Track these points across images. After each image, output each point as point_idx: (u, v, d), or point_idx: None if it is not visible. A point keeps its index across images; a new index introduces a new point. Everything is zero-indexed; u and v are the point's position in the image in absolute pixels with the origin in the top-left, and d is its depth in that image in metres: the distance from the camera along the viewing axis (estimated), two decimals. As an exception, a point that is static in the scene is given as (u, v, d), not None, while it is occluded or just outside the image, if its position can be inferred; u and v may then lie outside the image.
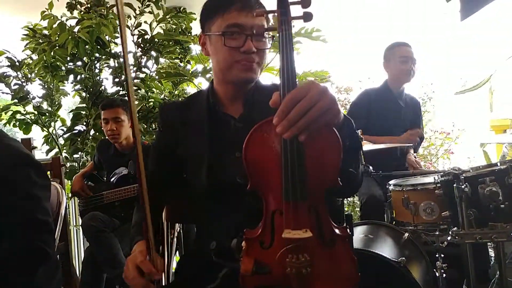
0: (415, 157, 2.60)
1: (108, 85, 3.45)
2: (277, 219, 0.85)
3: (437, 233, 1.92)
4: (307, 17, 0.86)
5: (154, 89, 3.44)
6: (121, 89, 3.40)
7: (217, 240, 1.15)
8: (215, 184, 1.15)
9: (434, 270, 1.91)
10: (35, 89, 3.60)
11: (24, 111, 3.50)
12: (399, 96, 2.69)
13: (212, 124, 1.19)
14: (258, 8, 1.10)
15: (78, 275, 2.38)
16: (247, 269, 0.82)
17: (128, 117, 2.44)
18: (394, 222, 2.14)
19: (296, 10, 0.91)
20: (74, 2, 3.23)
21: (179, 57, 3.40)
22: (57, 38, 3.22)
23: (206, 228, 1.24)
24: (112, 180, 2.45)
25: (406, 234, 1.95)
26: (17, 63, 3.41)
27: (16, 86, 3.42)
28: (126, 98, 2.65)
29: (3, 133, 1.41)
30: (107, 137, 2.51)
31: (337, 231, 0.87)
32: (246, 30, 1.08)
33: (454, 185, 1.65)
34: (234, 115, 1.19)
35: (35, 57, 3.35)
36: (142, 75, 3.43)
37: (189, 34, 3.38)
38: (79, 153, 3.34)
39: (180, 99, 3.49)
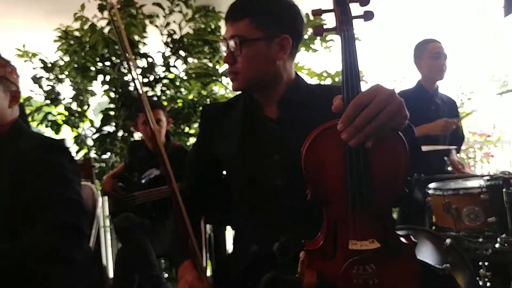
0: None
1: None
2: (340, 229, 0.81)
3: (481, 240, 1.85)
4: (367, 16, 0.82)
5: (182, 90, 3.44)
6: (149, 89, 3.41)
7: (258, 244, 1.12)
8: (254, 187, 1.13)
9: (477, 278, 1.83)
10: (65, 90, 3.65)
11: (55, 111, 3.55)
12: (435, 94, 2.62)
13: (250, 126, 1.17)
14: (234, 16, 1.10)
15: (108, 277, 2.39)
16: (310, 282, 0.78)
17: (166, 118, 2.45)
18: (434, 227, 2.07)
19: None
20: (104, 3, 3.25)
21: (208, 57, 3.38)
22: (87, 39, 3.25)
23: (246, 231, 1.22)
24: (143, 181, 2.44)
25: (448, 240, 1.88)
26: (49, 65, 3.46)
27: (48, 87, 3.48)
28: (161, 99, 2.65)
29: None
30: (138, 138, 2.51)
31: (402, 240, 0.83)
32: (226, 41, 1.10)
33: (504, 190, 1.58)
34: (271, 117, 1.16)
35: (66, 58, 3.39)
36: (170, 76, 3.43)
37: (218, 33, 3.36)
38: (108, 153, 3.37)
39: (208, 100, 3.50)
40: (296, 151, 1.11)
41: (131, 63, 1.11)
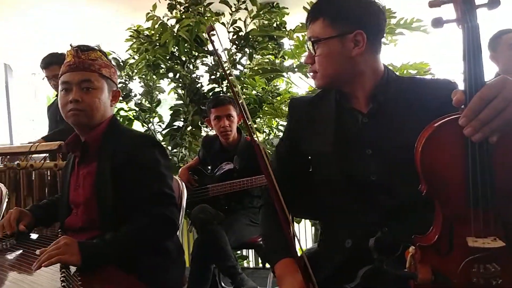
0: None
1: (204, 83, 3.56)
2: (457, 225, 0.80)
3: None
4: (493, 4, 0.79)
5: (247, 86, 3.50)
6: (216, 86, 3.50)
7: (353, 239, 1.12)
8: (346, 182, 1.13)
9: None
10: (135, 87, 3.82)
11: (127, 108, 3.73)
12: None
13: (339, 119, 1.17)
14: (311, 18, 1.13)
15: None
16: (425, 278, 0.77)
17: (236, 114, 2.50)
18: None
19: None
20: (174, 2, 3.36)
21: (273, 52, 3.40)
22: (157, 37, 3.39)
23: (339, 226, 1.22)
24: (216, 174, 2.51)
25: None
26: (121, 63, 3.64)
27: (120, 85, 3.66)
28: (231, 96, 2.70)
29: None
30: (209, 134, 2.58)
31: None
32: None
33: None
34: (361, 110, 1.15)
35: (137, 56, 3.55)
36: (236, 72, 3.50)
37: (283, 29, 3.37)
38: (178, 148, 3.50)
39: (271, 95, 3.53)
40: (389, 145, 1.11)
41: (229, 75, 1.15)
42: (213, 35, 1.06)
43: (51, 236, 1.61)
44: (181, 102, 3.57)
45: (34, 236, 1.56)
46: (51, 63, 3.08)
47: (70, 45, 1.47)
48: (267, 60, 3.64)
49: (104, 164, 1.43)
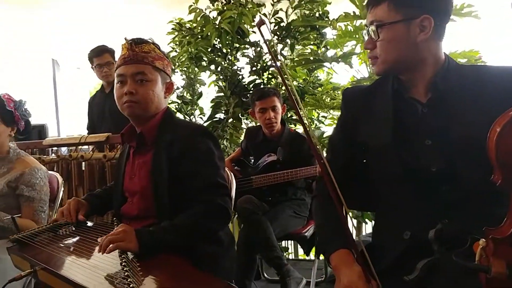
0: None
1: (245, 75, 3.57)
2: (536, 218, 0.76)
3: None
4: None
5: (288, 77, 3.47)
6: (257, 77, 3.50)
7: (412, 231, 1.10)
8: (406, 173, 1.10)
9: None
10: (176, 79, 3.88)
11: (169, 100, 3.79)
12: None
13: (397, 109, 1.14)
14: (374, 2, 1.10)
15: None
16: (500, 271, 0.74)
17: (281, 105, 2.50)
18: None
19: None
20: (215, -5, 3.38)
21: (316, 42, 3.36)
22: (198, 30, 3.42)
23: (397, 218, 1.19)
24: (260, 165, 2.52)
25: None
26: (163, 56, 3.69)
27: (163, 77, 3.71)
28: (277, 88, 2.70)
29: None
30: (252, 125, 2.58)
31: None
32: None
33: None
34: (420, 100, 1.12)
35: (179, 49, 3.60)
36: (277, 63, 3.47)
37: (326, 18, 3.32)
38: (219, 140, 3.53)
39: (312, 86, 3.49)
40: (449, 136, 1.07)
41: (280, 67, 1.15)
42: (263, 24, 1.06)
43: (105, 223, 1.68)
44: (221, 94, 3.60)
45: (90, 223, 1.63)
46: (104, 50, 3.19)
47: (125, 39, 1.50)
48: (309, 51, 3.60)
49: (160, 154, 1.46)
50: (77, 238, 1.48)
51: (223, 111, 3.54)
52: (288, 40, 3.41)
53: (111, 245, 1.21)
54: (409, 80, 1.13)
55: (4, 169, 1.93)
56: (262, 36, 1.05)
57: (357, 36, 3.10)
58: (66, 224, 1.58)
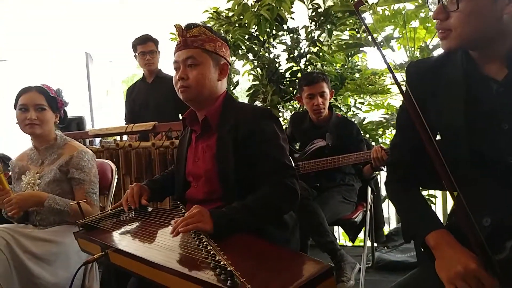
0: None
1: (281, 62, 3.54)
2: None
3: None
4: None
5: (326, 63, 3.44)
6: (294, 64, 3.47)
7: (492, 217, 1.03)
8: (481, 160, 1.02)
9: None
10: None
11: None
12: None
13: (468, 88, 1.04)
14: None
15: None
16: None
17: (329, 90, 2.47)
18: None
19: None
20: (253, -19, 3.35)
21: (354, 27, 3.31)
22: (236, 18, 3.40)
23: (473, 204, 1.14)
24: (307, 151, 2.50)
25: None
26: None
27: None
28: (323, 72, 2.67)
29: None
30: (300, 111, 2.56)
31: None
32: None
33: None
34: (495, 78, 1.02)
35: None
36: (314, 49, 3.44)
37: (366, 3, 3.25)
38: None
39: (350, 72, 3.44)
40: None
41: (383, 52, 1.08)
42: (362, 5, 1.01)
43: (165, 208, 1.69)
44: (257, 82, 3.58)
45: (149, 209, 1.64)
46: (148, 39, 3.25)
47: (175, 25, 1.50)
48: (347, 36, 3.55)
49: (225, 136, 1.47)
50: (140, 222, 1.50)
51: (261, 100, 3.52)
52: (326, 26, 3.35)
53: (189, 226, 1.22)
54: (482, 55, 1.04)
55: (54, 156, 1.99)
56: (359, 16, 1.01)
57: (395, 20, 3.04)
58: (128, 210, 1.60)
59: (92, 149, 2.65)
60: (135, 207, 1.57)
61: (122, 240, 1.35)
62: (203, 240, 1.17)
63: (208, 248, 1.10)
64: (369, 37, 3.13)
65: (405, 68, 1.21)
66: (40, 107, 1.94)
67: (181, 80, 1.46)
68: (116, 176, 2.20)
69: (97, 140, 3.27)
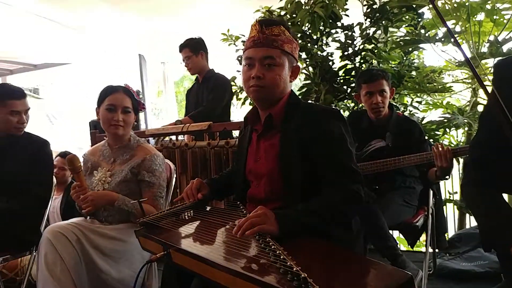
0: None
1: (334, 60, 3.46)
2: None
3: None
4: None
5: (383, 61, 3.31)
6: (349, 62, 3.37)
7: None
8: None
9: None
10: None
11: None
12: None
13: None
14: None
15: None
16: None
17: (389, 89, 2.37)
18: None
19: None
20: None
21: (412, 23, 3.17)
22: (288, 16, 3.36)
23: None
24: (365, 152, 2.41)
25: None
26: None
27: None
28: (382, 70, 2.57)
29: None
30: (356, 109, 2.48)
31: None
32: None
33: None
34: None
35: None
36: (369, 47, 3.33)
37: (427, -3, 3.11)
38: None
39: (407, 70, 3.30)
40: None
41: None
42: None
43: (222, 208, 1.68)
44: (308, 81, 3.51)
45: (208, 208, 1.64)
46: (182, 47, 3.40)
47: (256, 20, 1.47)
48: (400, 34, 3.42)
49: (289, 136, 1.43)
50: (199, 221, 1.49)
51: (313, 99, 3.45)
52: (382, 22, 3.23)
53: (255, 228, 1.19)
54: None
55: (126, 156, 2.02)
56: (435, 8, 0.96)
57: (457, 14, 2.88)
58: (186, 209, 1.61)
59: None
60: (193, 200, 1.58)
61: (184, 239, 1.35)
62: (270, 243, 1.14)
63: (277, 252, 1.06)
64: (438, 32, 2.99)
65: (493, 65, 1.21)
66: (127, 109, 1.98)
67: (257, 78, 1.42)
68: (175, 175, 2.23)
69: (152, 140, 3.36)
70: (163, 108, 6.06)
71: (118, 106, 1.96)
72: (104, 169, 2.02)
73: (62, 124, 5.62)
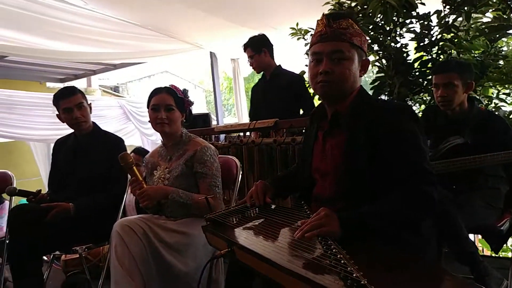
0: None
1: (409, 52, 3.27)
2: None
3: None
4: None
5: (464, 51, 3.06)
6: (425, 54, 3.16)
7: None
8: None
9: None
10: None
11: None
12: None
13: None
14: None
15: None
16: None
17: (462, 82, 2.18)
18: None
19: None
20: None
21: (500, 7, 2.87)
22: (359, 8, 3.22)
23: None
24: (441, 149, 2.24)
25: None
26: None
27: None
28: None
29: None
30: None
31: None
32: None
33: None
34: None
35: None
36: (448, 36, 3.09)
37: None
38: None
39: (494, 59, 3.01)
40: None
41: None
42: None
43: (288, 207, 1.66)
44: (382, 74, 3.35)
45: (273, 206, 1.63)
46: (245, 46, 3.38)
47: (323, 14, 1.43)
48: (485, 20, 3.12)
49: (357, 134, 1.37)
50: (263, 220, 1.49)
51: (387, 93, 3.29)
52: (464, 8, 2.97)
53: (315, 230, 1.16)
54: None
55: (180, 151, 2.11)
56: None
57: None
58: (252, 206, 1.62)
59: (218, 145, 2.76)
60: (260, 204, 1.57)
61: (247, 237, 1.36)
62: (332, 246, 1.10)
63: (338, 256, 1.03)
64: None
65: None
66: (169, 107, 2.08)
67: (325, 74, 1.38)
68: (241, 172, 2.25)
69: (222, 136, 3.43)
70: (234, 104, 6.16)
71: (161, 105, 2.07)
72: (163, 167, 2.12)
73: (140, 121, 5.95)
